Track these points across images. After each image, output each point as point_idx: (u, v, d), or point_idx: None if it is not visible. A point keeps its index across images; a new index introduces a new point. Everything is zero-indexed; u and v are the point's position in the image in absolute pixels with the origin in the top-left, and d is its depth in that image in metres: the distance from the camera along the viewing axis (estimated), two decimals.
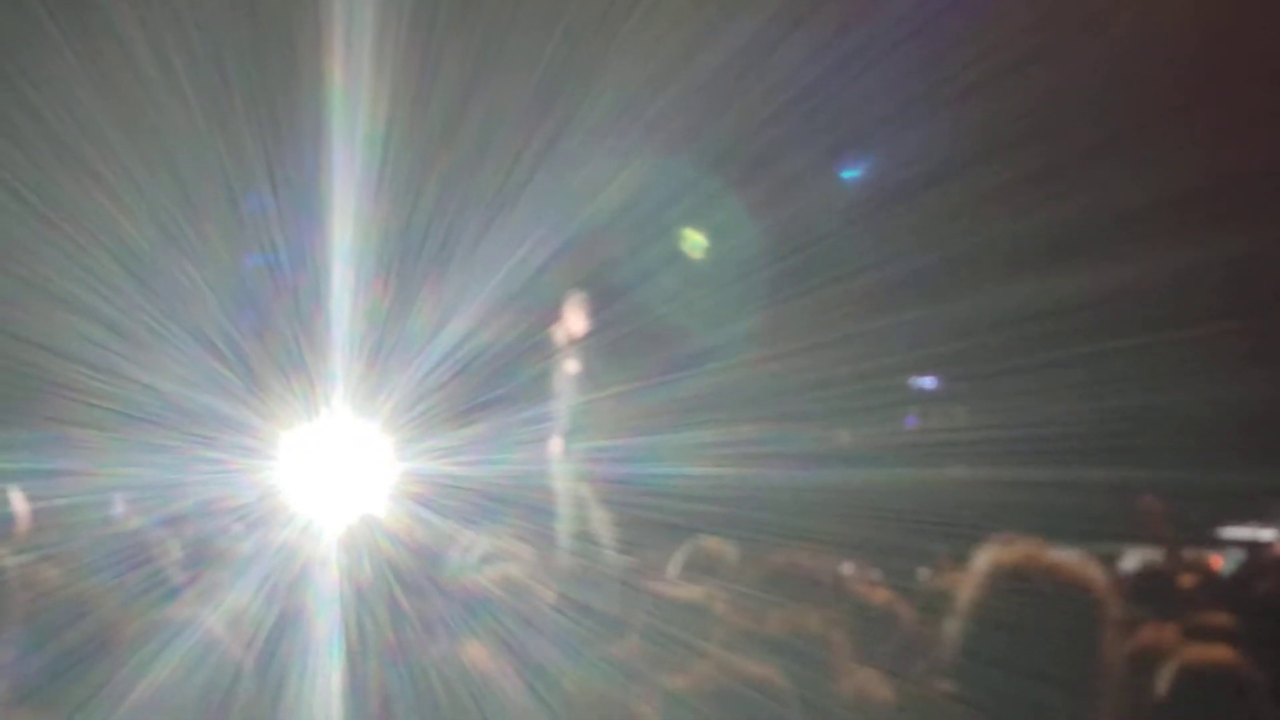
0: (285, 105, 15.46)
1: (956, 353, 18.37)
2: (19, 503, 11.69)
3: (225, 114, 15.48)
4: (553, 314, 14.84)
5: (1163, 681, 4.67)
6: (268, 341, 16.27)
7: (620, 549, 12.58)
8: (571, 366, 14.66)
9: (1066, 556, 3.51)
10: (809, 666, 4.85)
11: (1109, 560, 10.59)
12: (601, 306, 14.85)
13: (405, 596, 5.93)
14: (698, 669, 4.34)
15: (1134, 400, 16.79)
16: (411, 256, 15.94)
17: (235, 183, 15.69)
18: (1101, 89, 17.43)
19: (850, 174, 18.29)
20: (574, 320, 14.69)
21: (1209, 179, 17.40)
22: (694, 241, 17.08)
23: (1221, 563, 14.06)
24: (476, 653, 5.53)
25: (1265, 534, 15.72)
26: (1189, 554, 12.84)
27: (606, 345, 14.67)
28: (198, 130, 15.40)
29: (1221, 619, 6.88)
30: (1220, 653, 4.83)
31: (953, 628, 3.37)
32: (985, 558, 3.45)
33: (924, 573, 10.11)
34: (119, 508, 12.35)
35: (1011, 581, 3.31)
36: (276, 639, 5.35)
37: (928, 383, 20.12)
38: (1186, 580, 10.38)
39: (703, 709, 3.99)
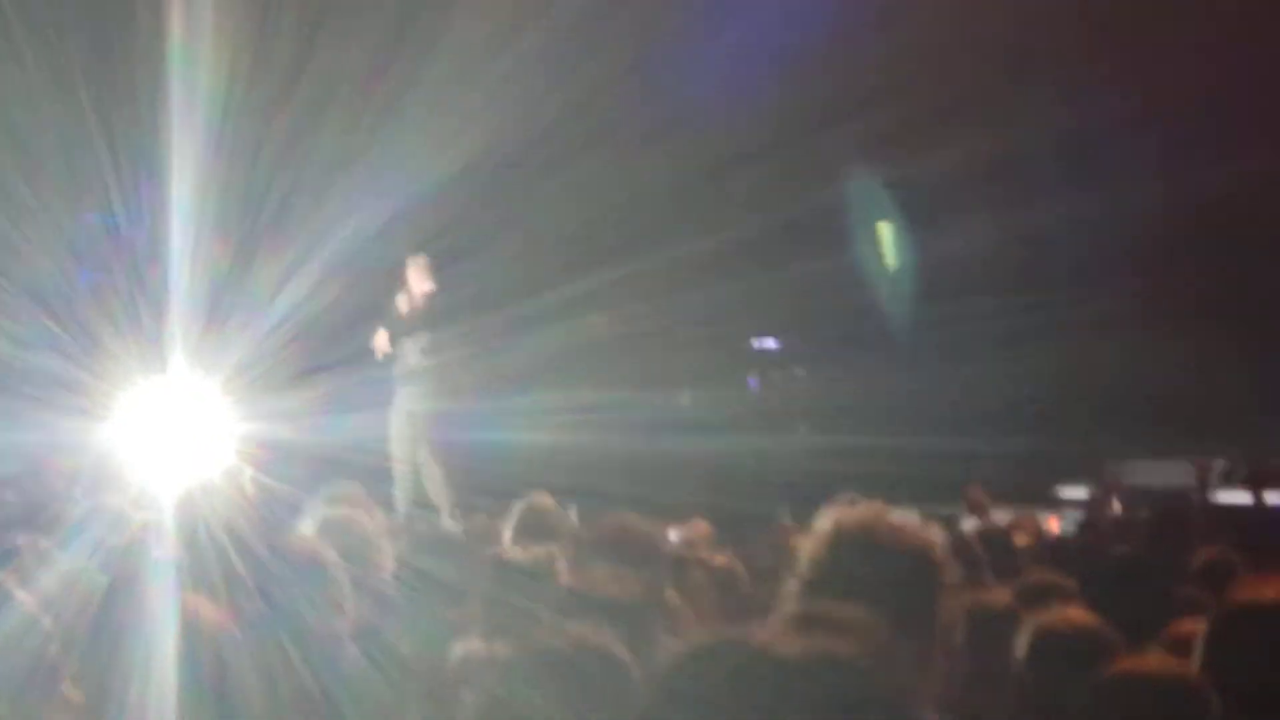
0: (124, 61, 15.26)
1: (799, 317, 18.49)
2: None
3: (61, 70, 15.25)
4: (393, 277, 14.76)
5: (1011, 642, 4.74)
6: (104, 301, 16.08)
7: (458, 513, 12.58)
8: (411, 330, 14.59)
9: (906, 519, 3.55)
10: (646, 631, 4.88)
11: (947, 522, 10.74)
12: (442, 270, 14.80)
13: (242, 562, 5.90)
14: (532, 635, 4.34)
15: (971, 367, 17.00)
16: (252, 217, 15.79)
17: (71, 139, 15.47)
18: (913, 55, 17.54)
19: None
20: (414, 283, 14.62)
21: (1054, 143, 17.61)
22: (531, 204, 17.04)
23: (1058, 524, 14.31)
24: (314, 618, 5.52)
25: (1101, 495, 15.99)
26: (1024, 516, 13.07)
27: (446, 309, 14.62)
28: (31, 86, 15.16)
29: (1057, 578, 7.01)
30: (1073, 614, 4.91)
31: (792, 588, 3.39)
32: (826, 519, 3.48)
33: (763, 535, 10.18)
34: None
35: (851, 542, 3.33)
36: (110, 605, 5.29)
37: (769, 346, 20.23)
38: (1022, 541, 10.58)
39: (536, 676, 3.99)
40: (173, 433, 13.95)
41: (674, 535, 9.71)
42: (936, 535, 3.50)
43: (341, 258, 15.49)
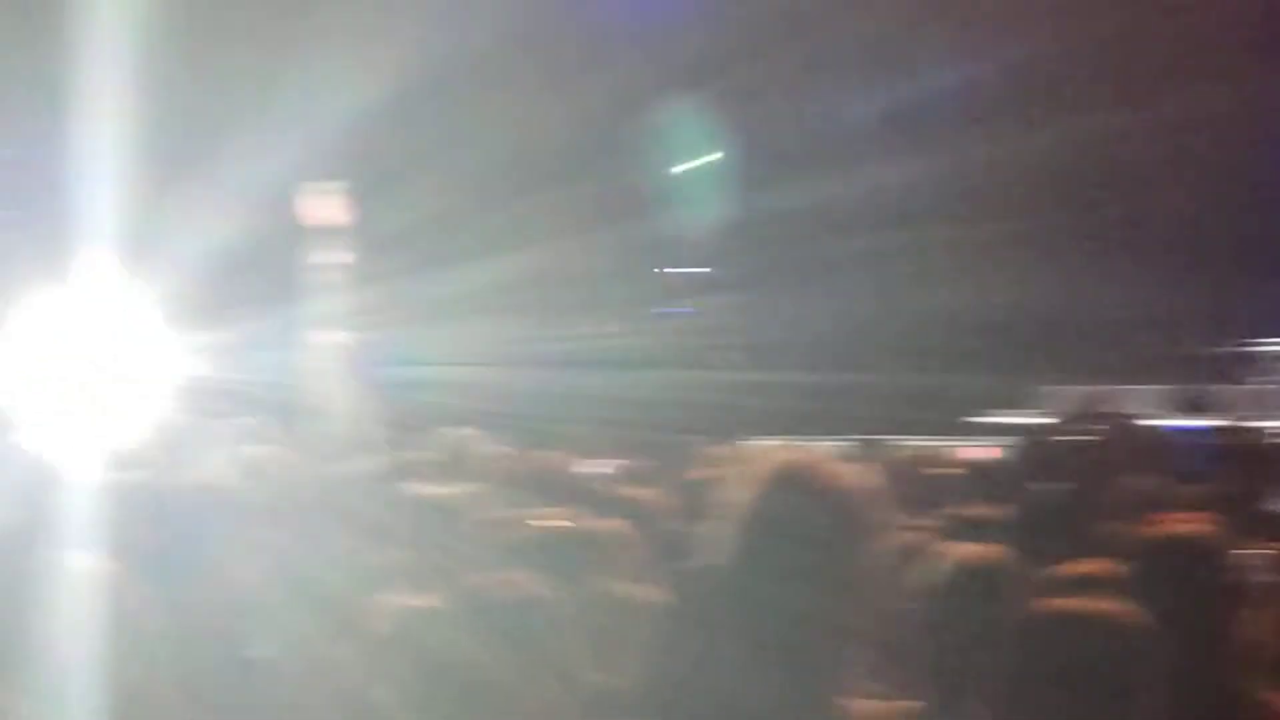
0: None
1: (724, 250, 18.49)
2: None
3: None
4: (310, 208, 14.58)
5: (926, 577, 4.72)
6: (13, 233, 15.90)
7: (376, 448, 12.47)
8: (329, 260, 14.42)
9: (832, 458, 3.50)
10: (572, 570, 4.82)
11: (871, 453, 10.72)
12: (360, 200, 14.63)
13: (159, 499, 5.81)
14: (455, 582, 4.27)
15: (907, 298, 17.04)
16: (167, 148, 15.58)
17: None
18: None
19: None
20: (332, 214, 14.42)
21: (961, 83, 17.66)
22: (445, 138, 16.91)
23: (999, 453, 14.24)
24: (226, 555, 5.43)
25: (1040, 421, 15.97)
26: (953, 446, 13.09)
27: (364, 240, 14.47)
28: None
29: (980, 511, 6.99)
30: (986, 550, 4.89)
31: (719, 531, 3.35)
32: (754, 461, 3.42)
33: (681, 469, 10.09)
34: None
35: (776, 485, 3.29)
36: (23, 544, 5.19)
37: (688, 278, 20.21)
38: (947, 470, 10.59)
39: (468, 624, 3.93)
40: (91, 367, 13.78)
41: (593, 469, 9.67)
42: (861, 474, 3.45)
43: (255, 188, 15.31)
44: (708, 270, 20.09)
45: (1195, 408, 16.78)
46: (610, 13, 17.57)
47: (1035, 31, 16.97)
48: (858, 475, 3.38)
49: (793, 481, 3.28)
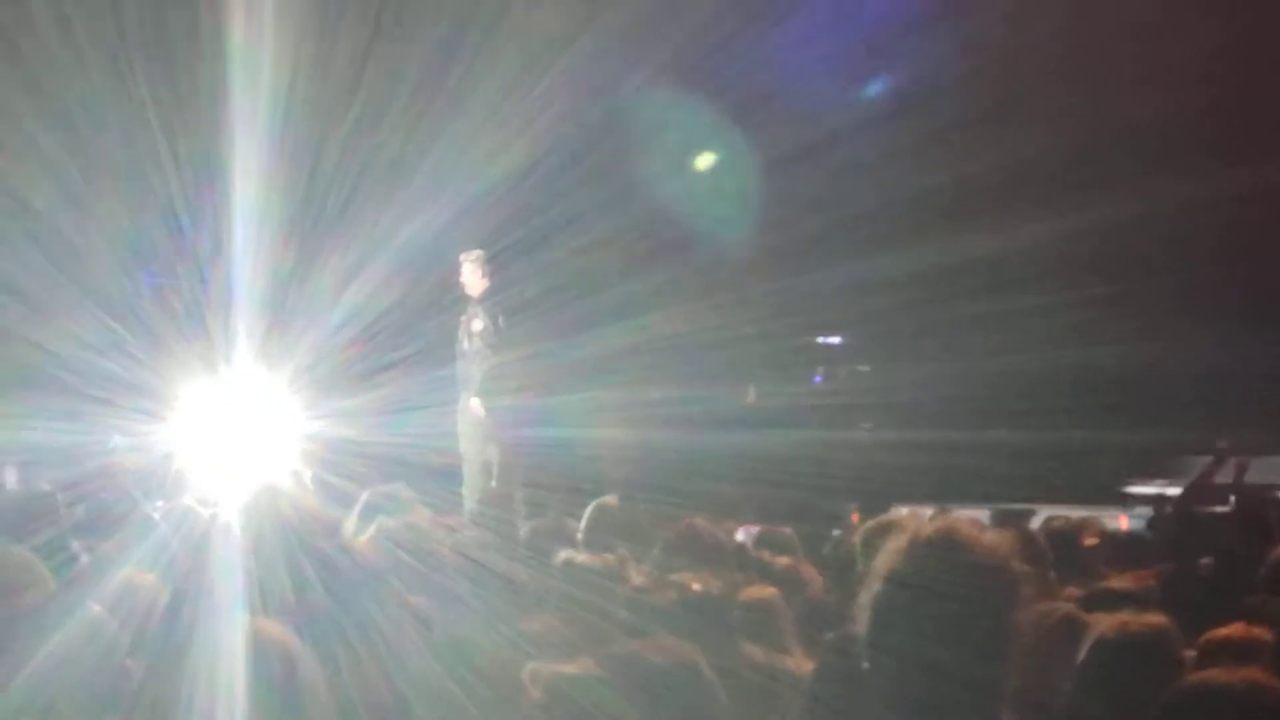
0: (187, 63, 15.29)
1: (862, 313, 18.41)
2: None
3: (125, 72, 15.29)
4: (457, 275, 14.72)
5: (1078, 646, 4.69)
6: (168, 302, 16.13)
7: (526, 513, 12.55)
8: (478, 327, 14.54)
9: (983, 528, 3.50)
10: (724, 636, 4.83)
11: (1018, 520, 10.63)
12: (507, 266, 14.75)
13: (308, 561, 5.88)
14: (609, 648, 4.30)
15: (1039, 361, 16.87)
16: (313, 218, 15.81)
17: (133, 143, 15.50)
18: (986, 51, 17.49)
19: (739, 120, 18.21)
20: (479, 280, 14.55)
21: (1121, 140, 17.52)
22: (599, 199, 17.00)
23: (1128, 522, 14.15)
24: (380, 618, 5.49)
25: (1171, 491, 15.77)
26: (1091, 515, 12.94)
27: (512, 306, 14.56)
28: (97, 88, 15.21)
29: (1127, 581, 6.93)
30: (1139, 620, 4.85)
31: (867, 599, 3.35)
32: (904, 530, 3.43)
33: (832, 536, 10.08)
34: (13, 473, 12.23)
35: (929, 553, 3.29)
36: (177, 607, 5.28)
37: (834, 343, 20.15)
38: (1090, 541, 10.45)
39: (616, 687, 3.95)
40: (236, 433, 13.99)
41: (741, 535, 9.66)
42: (1011, 545, 3.44)
43: (402, 257, 15.48)
44: (848, 335, 20.03)
45: None
46: (735, 85, 17.59)
47: (1187, 82, 16.83)
48: (1008, 542, 3.38)
49: (944, 547, 3.28)
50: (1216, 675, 4.03)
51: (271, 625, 4.44)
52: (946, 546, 3.30)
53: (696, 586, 5.28)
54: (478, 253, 14.64)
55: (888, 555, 3.35)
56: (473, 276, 14.55)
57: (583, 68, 16.17)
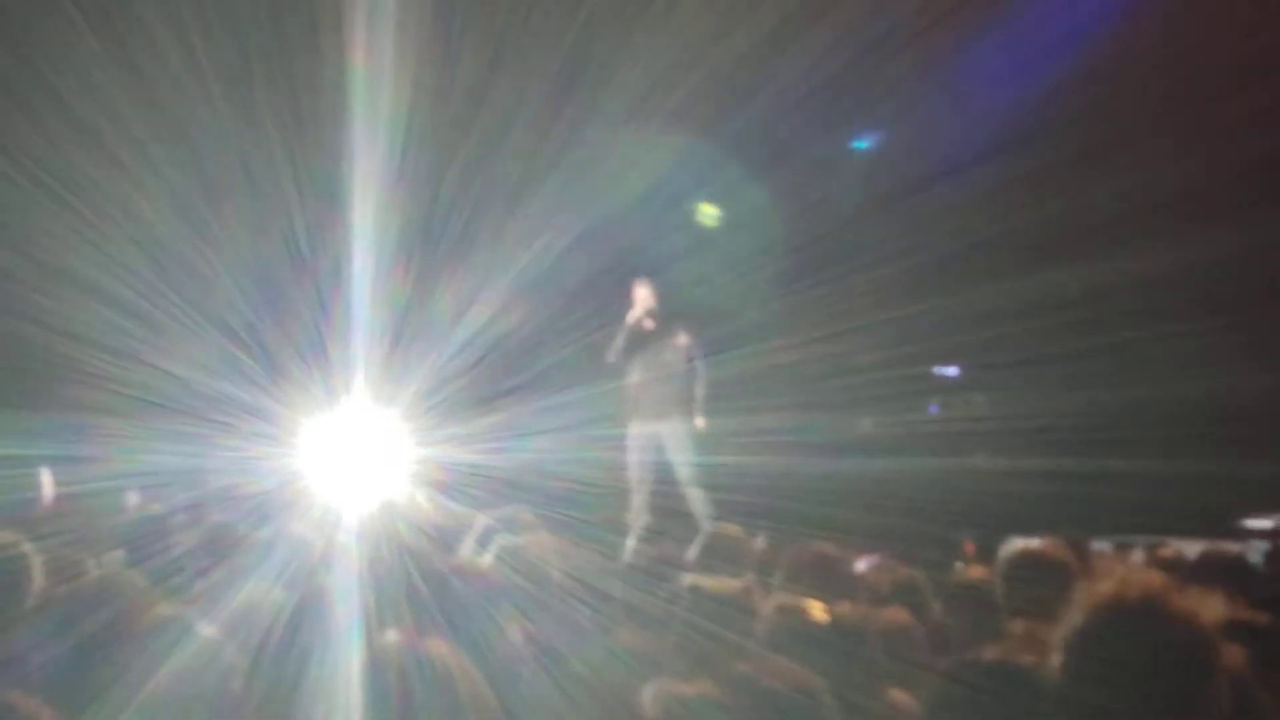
0: (307, 90, 15.42)
1: (978, 341, 18.30)
2: (46, 487, 11.67)
3: (247, 99, 15.44)
4: (572, 301, 14.75)
5: None
6: (288, 328, 16.23)
7: (646, 537, 12.52)
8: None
9: (1176, 592, 3.33)
10: (846, 664, 4.78)
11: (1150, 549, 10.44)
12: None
13: (424, 583, 5.88)
14: (731, 670, 4.26)
15: (1156, 390, 16.69)
16: (432, 243, 15.88)
17: (257, 168, 15.64)
18: (1110, 81, 17.40)
19: (862, 148, 18.17)
20: (642, 303, 14.62)
21: (1214, 172, 17.35)
22: (717, 226, 16.97)
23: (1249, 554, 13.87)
24: (496, 640, 5.47)
25: None
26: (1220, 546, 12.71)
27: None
28: (220, 116, 15.36)
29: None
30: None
31: (1056, 662, 3.21)
32: (1089, 587, 3.29)
33: (952, 564, 9.99)
34: (136, 495, 12.32)
35: (1119, 618, 3.15)
36: (296, 626, 5.29)
37: (950, 371, 20.02)
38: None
39: (732, 712, 3.91)
40: (355, 458, 14.06)
41: (863, 563, 9.59)
42: (1208, 609, 3.30)
43: (521, 283, 15.52)
44: (973, 362, 19.88)
45: None
46: (887, 105, 17.54)
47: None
48: (1209, 611, 3.24)
49: (1138, 615, 3.12)
50: None
51: (387, 642, 4.43)
52: (1147, 611, 3.14)
53: (818, 612, 5.23)
54: (647, 280, 14.75)
55: (1071, 614, 3.20)
56: (644, 299, 14.65)
57: (706, 93, 16.17)
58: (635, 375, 14.67)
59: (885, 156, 17.73)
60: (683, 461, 14.42)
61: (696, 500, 14.18)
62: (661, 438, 14.52)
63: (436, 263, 15.82)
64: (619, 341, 14.50)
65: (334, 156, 14.88)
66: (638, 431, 14.58)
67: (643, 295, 14.63)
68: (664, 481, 14.06)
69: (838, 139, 17.50)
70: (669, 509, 12.15)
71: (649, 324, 14.57)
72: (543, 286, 15.66)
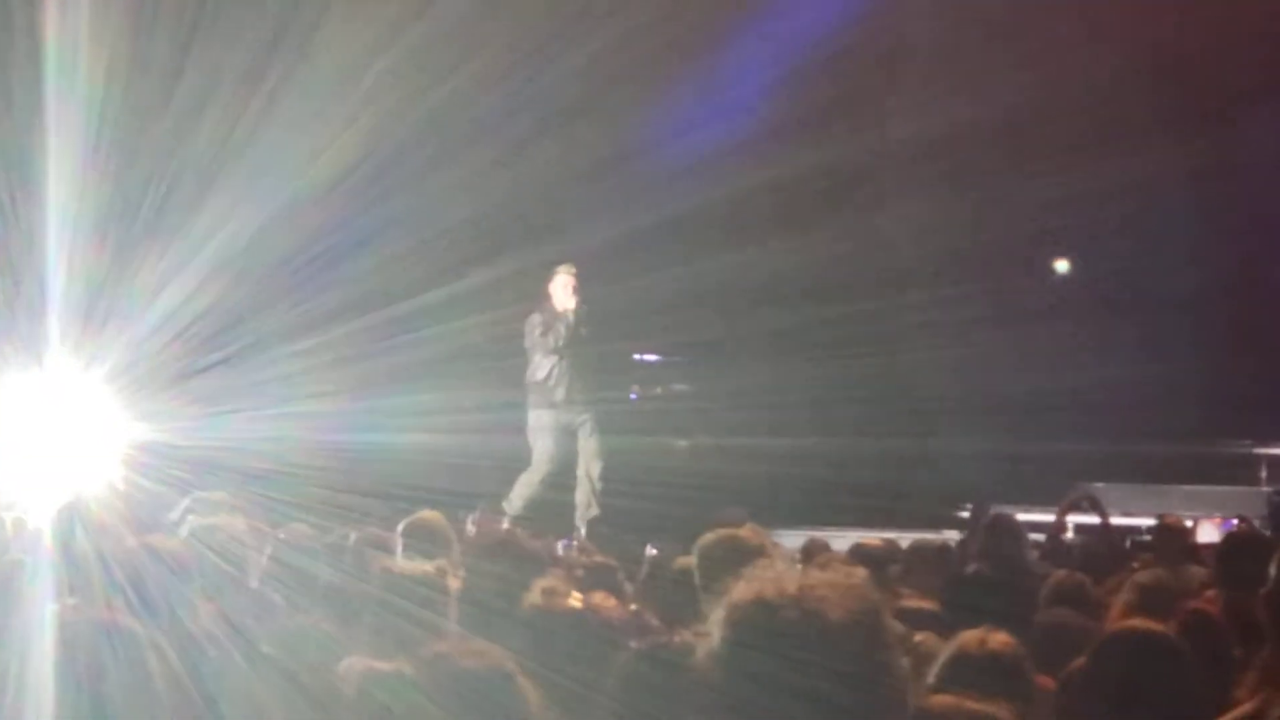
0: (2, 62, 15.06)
1: (675, 325, 18.40)
2: None
3: None
4: (271, 279, 14.65)
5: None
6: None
7: (342, 519, 12.48)
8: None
9: (831, 577, 3.21)
10: (545, 644, 4.83)
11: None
12: (312, 275, 14.73)
13: (117, 564, 5.83)
14: (425, 650, 4.28)
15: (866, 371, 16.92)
16: (129, 218, 15.58)
17: None
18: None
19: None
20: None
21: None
22: (408, 209, 16.85)
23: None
24: (190, 620, 5.45)
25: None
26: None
27: (318, 312, 14.53)
28: None
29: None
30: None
31: (706, 669, 3.10)
32: (733, 594, 3.14)
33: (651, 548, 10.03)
34: None
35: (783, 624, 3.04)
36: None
37: (649, 358, 20.12)
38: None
39: (432, 691, 3.95)
40: (48, 435, 13.78)
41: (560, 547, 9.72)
42: (870, 590, 3.19)
43: (219, 260, 15.33)
44: (674, 351, 19.97)
45: None
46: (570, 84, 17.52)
47: None
48: (867, 591, 3.12)
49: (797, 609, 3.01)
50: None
51: (81, 622, 4.39)
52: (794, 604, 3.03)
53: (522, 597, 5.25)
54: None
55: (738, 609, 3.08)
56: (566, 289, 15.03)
57: (387, 78, 16.11)
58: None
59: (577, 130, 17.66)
60: None
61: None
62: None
63: (133, 237, 15.53)
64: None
65: (28, 128, 14.56)
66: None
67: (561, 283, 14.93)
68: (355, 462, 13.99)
69: (537, 122, 17.45)
70: (376, 491, 12.07)
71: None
72: (240, 264, 15.47)
